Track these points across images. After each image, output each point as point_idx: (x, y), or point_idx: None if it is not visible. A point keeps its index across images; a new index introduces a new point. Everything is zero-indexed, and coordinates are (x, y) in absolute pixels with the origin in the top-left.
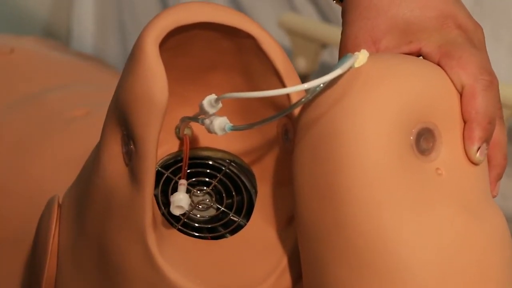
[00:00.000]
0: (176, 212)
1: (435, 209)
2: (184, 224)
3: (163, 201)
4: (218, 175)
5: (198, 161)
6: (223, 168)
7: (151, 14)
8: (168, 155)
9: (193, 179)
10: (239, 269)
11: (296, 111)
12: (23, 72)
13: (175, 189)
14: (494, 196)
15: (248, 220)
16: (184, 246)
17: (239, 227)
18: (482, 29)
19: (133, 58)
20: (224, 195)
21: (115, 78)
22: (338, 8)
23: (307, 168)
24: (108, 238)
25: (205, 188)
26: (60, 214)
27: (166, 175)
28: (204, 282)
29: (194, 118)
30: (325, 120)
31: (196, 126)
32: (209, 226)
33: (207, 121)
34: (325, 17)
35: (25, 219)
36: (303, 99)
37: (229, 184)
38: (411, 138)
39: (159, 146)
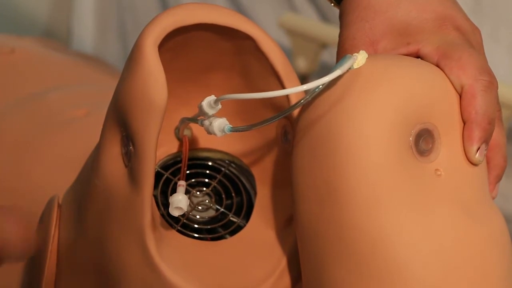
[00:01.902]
0: (175, 213)
1: (434, 210)
2: (183, 225)
3: (163, 202)
4: (217, 176)
5: (198, 162)
6: (223, 169)
7: (151, 14)
8: (167, 155)
9: (193, 180)
10: (238, 270)
11: (296, 112)
12: (23, 72)
13: (174, 190)
14: (493, 198)
15: (247, 221)
16: (183, 247)
17: (239, 228)
18: (479, 31)
19: (132, 60)
20: (223, 196)
21: (115, 78)
22: (337, 10)
23: (306, 169)
24: (108, 239)
25: (204, 189)
26: (60, 215)
27: (165, 176)
28: (203, 283)
29: (194, 119)
30: (325, 121)
31: (195, 127)
32: (209, 227)
33: (206, 122)
34: (324, 17)
35: None
36: (302, 100)
37: (228, 185)
38: (410, 139)
39: (159, 147)
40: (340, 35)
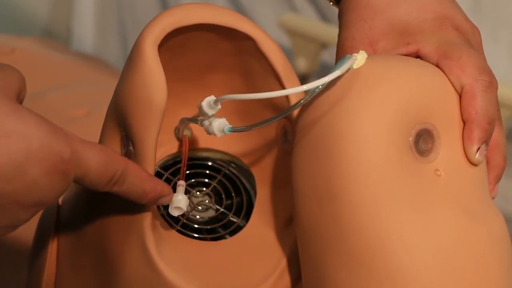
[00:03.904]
0: (175, 213)
1: (434, 210)
2: (183, 225)
3: None
4: (217, 176)
5: (198, 162)
6: (223, 169)
7: (151, 14)
8: (167, 156)
9: (193, 180)
10: (238, 270)
11: (295, 112)
12: (24, 72)
13: (174, 190)
14: (493, 198)
15: (247, 221)
16: (183, 247)
17: (239, 228)
18: (479, 31)
19: (132, 60)
20: (223, 196)
21: (115, 78)
22: (337, 9)
23: (306, 169)
24: (107, 239)
25: (204, 189)
26: (60, 215)
27: (165, 176)
28: (203, 284)
29: (193, 120)
30: (324, 121)
31: (195, 127)
32: (209, 227)
33: (206, 123)
34: (324, 17)
35: None
36: (302, 101)
37: (228, 185)
38: (410, 139)
39: (159, 147)
40: (340, 35)
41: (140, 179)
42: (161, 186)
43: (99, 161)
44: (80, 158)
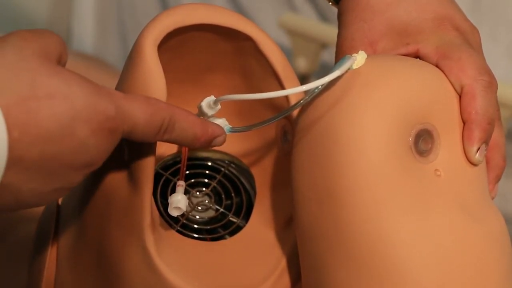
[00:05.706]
0: (174, 213)
1: (434, 210)
2: (183, 226)
3: (162, 202)
4: (217, 176)
5: (197, 162)
6: (222, 169)
7: (151, 14)
8: (167, 156)
9: (192, 180)
10: (238, 270)
11: (295, 112)
12: None
13: (174, 190)
14: (493, 198)
15: (247, 221)
16: (183, 248)
17: (238, 228)
18: (478, 31)
19: (132, 60)
20: (223, 196)
21: (115, 78)
22: (336, 9)
23: (306, 170)
24: (107, 239)
25: (204, 189)
26: (60, 215)
27: (165, 176)
28: (202, 284)
29: None
30: (324, 121)
31: None
32: (208, 227)
33: None
34: (324, 17)
35: (25, 220)
36: (302, 101)
37: (228, 185)
38: (410, 139)
39: (159, 147)
40: (339, 35)
41: (189, 124)
42: (212, 127)
43: (145, 113)
44: (125, 113)
